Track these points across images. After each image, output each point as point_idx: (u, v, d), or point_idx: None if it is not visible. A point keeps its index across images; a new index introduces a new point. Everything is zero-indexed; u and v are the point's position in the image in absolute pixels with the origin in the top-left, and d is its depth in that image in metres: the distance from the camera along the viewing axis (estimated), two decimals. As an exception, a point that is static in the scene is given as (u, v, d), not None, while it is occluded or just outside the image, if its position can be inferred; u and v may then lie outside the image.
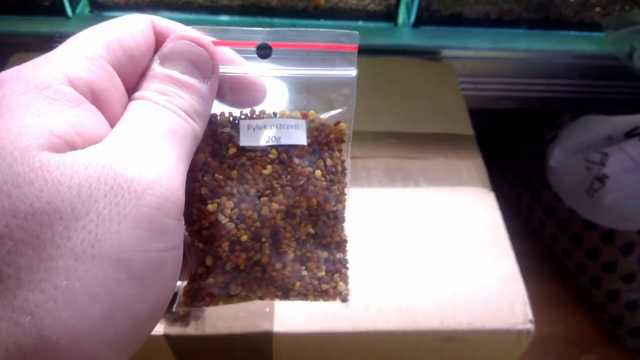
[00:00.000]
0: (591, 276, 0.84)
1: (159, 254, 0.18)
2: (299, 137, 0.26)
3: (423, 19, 0.84)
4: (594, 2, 0.88)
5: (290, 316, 0.49)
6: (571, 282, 0.90)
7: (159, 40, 0.23)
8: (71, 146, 0.18)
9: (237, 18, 0.83)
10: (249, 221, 0.25)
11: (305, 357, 0.52)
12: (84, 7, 0.81)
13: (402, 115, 0.70)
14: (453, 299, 0.51)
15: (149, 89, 0.21)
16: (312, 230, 0.26)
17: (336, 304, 0.49)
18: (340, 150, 0.27)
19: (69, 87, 0.19)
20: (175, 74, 0.22)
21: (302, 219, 0.26)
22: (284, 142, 0.26)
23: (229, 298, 0.26)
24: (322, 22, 0.84)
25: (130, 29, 0.22)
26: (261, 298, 0.27)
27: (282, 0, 0.83)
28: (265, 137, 0.25)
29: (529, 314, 0.51)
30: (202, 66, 0.22)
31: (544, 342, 0.83)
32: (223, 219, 0.25)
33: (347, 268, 0.28)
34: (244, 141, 0.25)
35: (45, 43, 0.86)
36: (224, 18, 0.83)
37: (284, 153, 0.26)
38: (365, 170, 0.62)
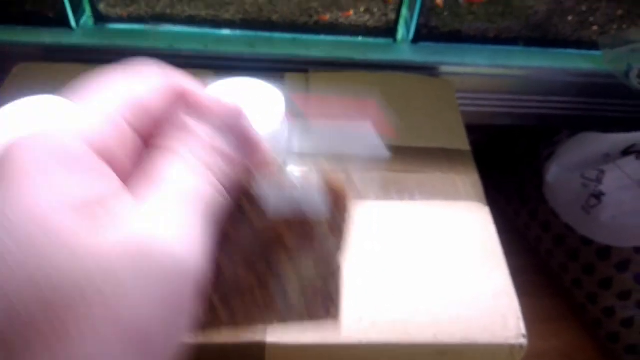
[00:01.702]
0: (587, 292, 0.84)
1: (180, 332, 0.18)
2: (320, 204, 0.25)
3: (422, 35, 0.85)
4: (591, 20, 0.90)
5: (284, 327, 0.49)
6: (567, 298, 0.90)
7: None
8: (93, 217, 0.17)
9: (238, 32, 0.84)
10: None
11: (298, 369, 0.52)
12: (87, 19, 0.83)
13: (399, 130, 0.70)
14: (447, 313, 0.52)
15: (174, 139, 0.20)
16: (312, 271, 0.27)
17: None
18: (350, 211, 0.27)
19: (90, 154, 0.18)
20: (206, 129, 0.21)
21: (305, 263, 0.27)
22: (305, 208, 0.25)
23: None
24: (322, 37, 0.85)
25: (151, 88, 0.21)
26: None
27: (282, 15, 0.84)
28: (288, 202, 0.25)
29: (522, 328, 0.51)
30: (235, 127, 0.22)
31: (539, 357, 0.83)
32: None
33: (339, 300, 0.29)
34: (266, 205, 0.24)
35: (49, 54, 0.87)
36: (226, 32, 0.84)
37: (307, 225, 0.25)
38: (361, 183, 0.63)
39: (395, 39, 0.86)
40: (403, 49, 0.85)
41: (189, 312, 0.18)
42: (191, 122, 0.21)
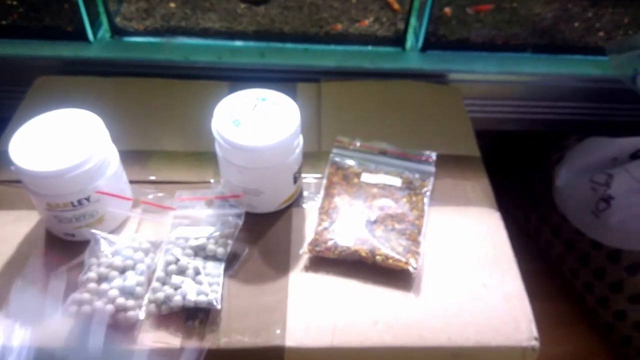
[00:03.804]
0: (598, 296, 0.85)
1: None
2: (397, 182, 0.63)
3: (430, 44, 0.87)
4: (597, 26, 0.91)
5: (302, 331, 0.51)
6: (578, 302, 0.90)
7: None
8: None
9: (251, 43, 0.86)
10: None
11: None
12: (105, 32, 0.85)
13: (409, 137, 0.72)
14: (460, 316, 0.53)
15: None
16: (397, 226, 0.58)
17: (349, 319, 0.50)
18: (422, 194, 0.62)
19: None
20: None
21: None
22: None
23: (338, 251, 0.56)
24: (332, 47, 0.86)
25: None
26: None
27: (294, 26, 0.86)
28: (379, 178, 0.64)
29: (533, 331, 0.52)
30: None
31: (552, 362, 0.84)
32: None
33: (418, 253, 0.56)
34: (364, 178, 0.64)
35: (68, 67, 0.90)
36: (239, 43, 0.86)
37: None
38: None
39: (404, 48, 0.87)
40: (412, 57, 0.87)
41: None
42: None
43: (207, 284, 0.52)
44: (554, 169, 0.90)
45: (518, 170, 1.02)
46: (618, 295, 0.81)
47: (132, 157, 0.66)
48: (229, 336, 0.50)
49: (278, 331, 0.51)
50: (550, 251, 0.94)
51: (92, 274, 0.51)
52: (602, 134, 0.89)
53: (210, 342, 0.50)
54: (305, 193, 0.64)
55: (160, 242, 0.56)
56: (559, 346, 0.86)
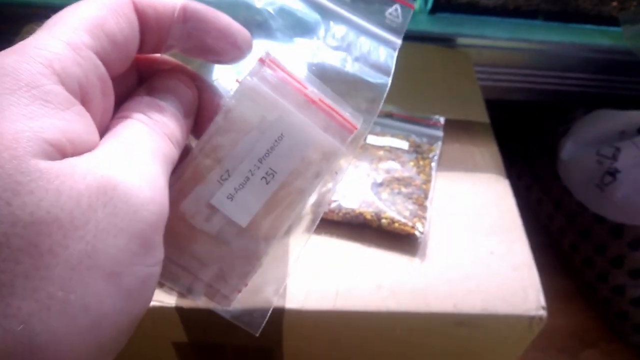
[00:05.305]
0: (597, 271, 0.84)
1: (147, 269, 0.19)
2: (404, 145, 0.53)
3: (440, 6, 0.84)
4: (611, -4, 0.88)
5: (303, 294, 0.49)
6: (577, 277, 0.89)
7: (143, 21, 0.22)
8: (62, 153, 0.18)
9: None
10: None
11: (315, 335, 0.52)
12: (99, -20, 0.81)
13: (417, 101, 0.69)
14: (466, 283, 0.51)
15: (139, 112, 0.22)
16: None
17: (352, 283, 0.48)
18: (429, 158, 0.57)
19: (59, 86, 0.18)
20: (164, 104, 0.23)
21: None
22: None
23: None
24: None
25: (111, 11, 0.21)
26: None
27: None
28: None
29: (541, 300, 0.51)
30: (187, 106, 0.24)
31: (548, 336, 0.83)
32: None
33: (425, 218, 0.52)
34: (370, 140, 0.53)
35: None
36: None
37: None
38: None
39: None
40: (420, 20, 0.83)
41: (155, 251, 0.20)
42: (148, 98, 0.23)
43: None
44: (559, 141, 0.88)
45: (522, 141, 1.00)
46: (618, 270, 0.80)
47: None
48: (226, 297, 0.48)
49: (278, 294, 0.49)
50: (550, 225, 0.92)
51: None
52: (611, 107, 0.86)
53: (207, 301, 0.48)
54: (307, 153, 0.62)
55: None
56: (555, 320, 0.84)
